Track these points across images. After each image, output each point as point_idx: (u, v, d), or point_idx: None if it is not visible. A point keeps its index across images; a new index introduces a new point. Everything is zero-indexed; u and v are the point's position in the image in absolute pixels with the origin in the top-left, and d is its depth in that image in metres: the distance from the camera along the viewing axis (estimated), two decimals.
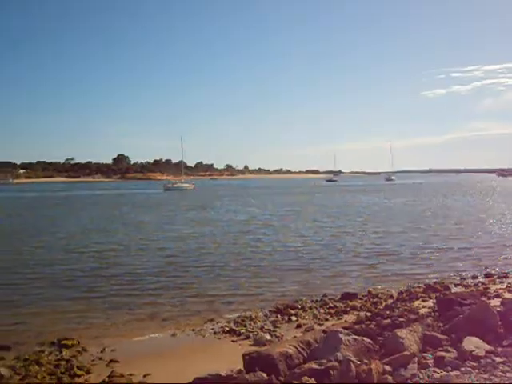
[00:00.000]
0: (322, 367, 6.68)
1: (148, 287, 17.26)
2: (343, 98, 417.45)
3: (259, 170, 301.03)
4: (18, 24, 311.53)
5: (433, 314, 11.20)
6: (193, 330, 12.72)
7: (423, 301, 14.08)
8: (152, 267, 20.83)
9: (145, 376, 9.28)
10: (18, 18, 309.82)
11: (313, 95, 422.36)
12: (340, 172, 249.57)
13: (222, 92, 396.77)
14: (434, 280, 17.33)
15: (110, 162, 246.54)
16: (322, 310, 14.02)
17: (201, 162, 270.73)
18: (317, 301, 15.08)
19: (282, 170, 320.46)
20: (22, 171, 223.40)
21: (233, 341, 11.70)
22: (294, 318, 13.27)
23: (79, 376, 9.56)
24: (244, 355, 7.67)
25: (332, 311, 13.86)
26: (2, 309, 14.91)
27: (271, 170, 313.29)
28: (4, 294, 16.69)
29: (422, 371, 6.76)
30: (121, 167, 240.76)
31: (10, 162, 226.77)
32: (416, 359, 7.03)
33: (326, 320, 13.07)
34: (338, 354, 7.18)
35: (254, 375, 6.63)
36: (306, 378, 6.49)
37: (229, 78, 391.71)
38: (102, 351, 11.17)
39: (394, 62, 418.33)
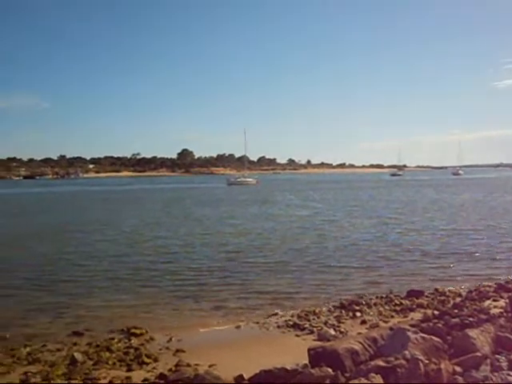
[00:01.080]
0: (390, 365, 6.55)
1: (212, 281, 17.53)
2: (408, 90, 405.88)
3: (322, 165, 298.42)
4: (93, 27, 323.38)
5: (505, 314, 10.73)
6: (257, 323, 12.83)
7: (494, 300, 13.54)
8: (215, 262, 21.13)
9: (210, 366, 9.43)
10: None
11: (377, 88, 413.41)
12: (405, 166, 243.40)
13: (285, 87, 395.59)
14: (506, 279, 16.59)
15: (174, 156, 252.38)
16: (387, 307, 13.77)
17: (263, 157, 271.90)
18: (382, 297, 14.82)
19: (345, 164, 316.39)
20: (91, 166, 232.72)
21: (296, 335, 11.70)
22: (358, 314, 13.10)
23: (147, 364, 9.86)
24: (309, 350, 7.64)
25: (397, 308, 13.58)
26: (73, 298, 15.64)
27: (334, 164, 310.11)
28: (74, 285, 17.46)
29: (495, 374, 6.48)
30: (185, 162, 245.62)
31: (80, 158, 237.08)
32: (488, 361, 6.77)
33: (392, 317, 12.83)
34: (406, 352, 7.01)
35: (319, 370, 6.59)
36: (373, 374, 6.38)
37: (294, 73, 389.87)
38: (168, 341, 11.49)
39: (462, 53, 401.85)
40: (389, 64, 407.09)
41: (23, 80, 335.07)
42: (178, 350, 10.68)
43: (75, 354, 10.19)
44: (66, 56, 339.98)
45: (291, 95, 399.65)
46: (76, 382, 8.98)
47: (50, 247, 25.85)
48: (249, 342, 11.25)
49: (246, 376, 8.02)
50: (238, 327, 12.59)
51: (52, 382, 9.07)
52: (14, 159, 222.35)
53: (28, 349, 11.18)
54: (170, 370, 9.29)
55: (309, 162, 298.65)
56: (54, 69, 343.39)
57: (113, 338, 11.69)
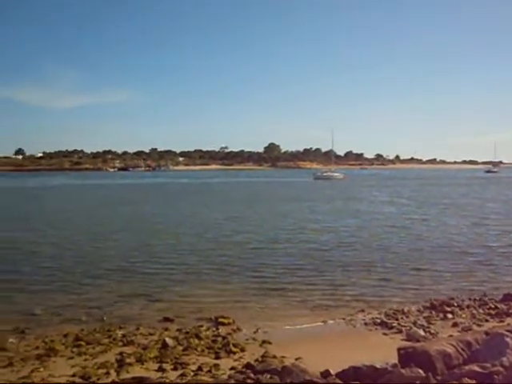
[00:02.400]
0: (486, 371, 6.25)
1: (298, 276, 17.52)
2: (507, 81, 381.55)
3: (411, 160, 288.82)
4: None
5: None
6: (343, 319, 12.72)
7: None
8: (301, 258, 21.07)
9: (296, 359, 9.47)
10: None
11: (470, 80, 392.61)
12: (501, 163, 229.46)
13: (375, 81, 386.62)
14: None
15: (261, 150, 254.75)
16: (481, 310, 13.15)
17: (350, 151, 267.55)
18: (475, 300, 14.16)
19: (435, 160, 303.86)
20: (181, 159, 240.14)
21: (384, 333, 11.48)
22: (449, 316, 12.62)
23: (234, 353, 10.09)
24: (399, 349, 7.46)
25: (492, 312, 12.93)
26: (164, 287, 16.30)
27: (424, 160, 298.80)
28: (164, 275, 18.12)
29: None
30: (272, 155, 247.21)
31: (170, 151, 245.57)
32: None
33: (486, 321, 12.23)
34: (504, 358, 6.65)
35: (410, 370, 6.41)
36: (467, 379, 6.12)
37: (384, 68, 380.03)
38: (255, 332, 11.68)
39: None
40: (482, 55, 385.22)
41: (116, 76, 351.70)
42: (264, 342, 10.83)
43: (166, 339, 10.63)
44: (156, 52, 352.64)
45: (380, 88, 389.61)
46: (167, 365, 9.35)
47: (139, 238, 27.07)
48: (335, 338, 11.19)
49: (332, 371, 7.97)
50: (324, 322, 12.55)
51: (145, 363, 9.51)
52: (109, 152, 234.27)
53: (123, 331, 11.83)
54: (257, 360, 9.43)
55: (397, 157, 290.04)
56: (146, 65, 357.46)
57: (201, 326, 12.09)
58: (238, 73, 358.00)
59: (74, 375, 8.96)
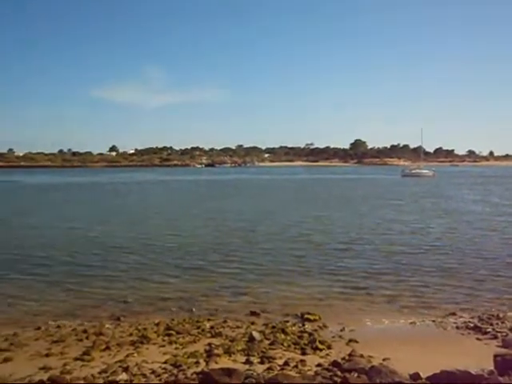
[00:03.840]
0: None
1: (385, 275, 17.12)
2: None
3: (506, 157, 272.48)
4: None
5: None
6: (433, 321, 12.30)
7: None
8: (388, 257, 20.58)
9: (384, 360, 9.27)
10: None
11: None
12: None
13: (467, 73, 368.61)
14: None
15: (347, 146, 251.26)
16: None
17: (440, 148, 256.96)
18: None
19: None
20: (266, 155, 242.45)
21: (477, 338, 10.95)
22: None
23: (321, 350, 10.05)
24: (495, 356, 7.11)
25: None
26: (250, 281, 16.63)
27: None
28: (251, 269, 18.51)
29: None
30: (357, 152, 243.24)
31: (256, 147, 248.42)
32: None
33: None
34: None
35: (509, 378, 6.09)
36: None
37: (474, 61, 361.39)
38: (341, 330, 11.58)
39: None
40: None
41: (204, 75, 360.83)
42: (350, 340, 10.70)
43: (253, 333, 10.80)
44: (242, 51, 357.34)
45: (472, 81, 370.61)
46: (254, 358, 9.50)
47: (222, 233, 27.66)
48: (424, 340, 10.83)
49: (422, 374, 7.74)
50: (412, 323, 12.20)
51: (233, 355, 9.72)
52: (196, 148, 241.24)
53: (211, 323, 12.17)
54: (344, 358, 9.34)
55: (491, 153, 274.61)
56: (232, 63, 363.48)
57: (287, 321, 12.16)
58: (325, 70, 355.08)
59: (165, 362, 9.33)
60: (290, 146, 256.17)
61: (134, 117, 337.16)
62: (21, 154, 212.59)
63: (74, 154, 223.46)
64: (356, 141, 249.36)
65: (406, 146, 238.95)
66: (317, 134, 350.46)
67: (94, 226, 30.11)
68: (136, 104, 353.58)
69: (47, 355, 10.16)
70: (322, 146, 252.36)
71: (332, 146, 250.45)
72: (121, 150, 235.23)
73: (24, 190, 71.50)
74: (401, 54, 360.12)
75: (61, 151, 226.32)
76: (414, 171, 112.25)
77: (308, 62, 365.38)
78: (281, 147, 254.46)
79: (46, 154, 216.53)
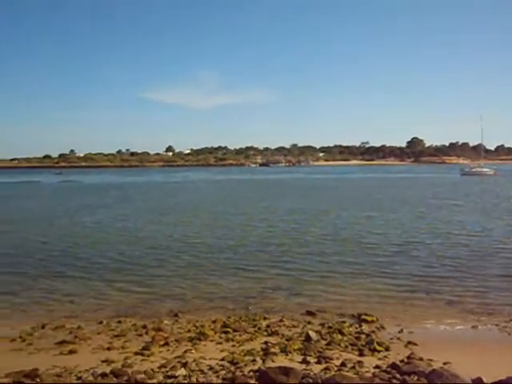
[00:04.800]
0: None
1: (445, 276, 16.68)
2: None
3: None
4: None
5: None
6: (496, 325, 11.85)
7: None
8: (448, 257, 20.02)
9: (445, 364, 9.02)
10: None
11: None
12: None
13: None
14: None
15: (403, 145, 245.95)
16: None
17: (502, 145, 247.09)
18: None
19: None
20: (321, 154, 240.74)
21: None
22: None
23: (379, 351, 9.89)
24: None
25: None
26: (307, 280, 16.58)
27: None
28: (307, 268, 18.45)
29: None
30: (414, 150, 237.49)
31: (310, 146, 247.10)
32: None
33: None
34: None
35: None
36: None
37: None
38: (399, 331, 11.36)
39: None
40: None
41: (257, 75, 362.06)
42: (409, 342, 10.48)
43: (310, 332, 10.77)
44: (295, 51, 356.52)
45: None
46: (311, 358, 9.46)
47: (274, 233, 27.67)
48: (487, 345, 10.48)
49: (485, 380, 7.50)
50: (474, 327, 11.80)
51: (289, 354, 9.72)
52: (251, 148, 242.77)
53: (267, 321, 12.23)
54: (402, 361, 9.16)
55: None
56: (285, 63, 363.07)
57: (344, 322, 12.05)
58: (377, 68, 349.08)
59: (222, 359, 9.44)
60: (344, 144, 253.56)
61: (188, 118, 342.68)
62: (81, 155, 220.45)
63: (132, 154, 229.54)
64: (413, 139, 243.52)
65: (465, 144, 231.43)
66: (372, 133, 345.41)
67: (148, 225, 30.84)
68: (190, 105, 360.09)
69: (109, 349, 10.51)
70: (377, 144, 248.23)
71: (388, 145, 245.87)
72: (177, 150, 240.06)
73: (81, 189, 74.12)
74: (458, 55, 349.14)
75: (119, 151, 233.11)
76: (474, 170, 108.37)
77: (359, 60, 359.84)
78: (335, 146, 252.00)
79: (105, 155, 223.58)
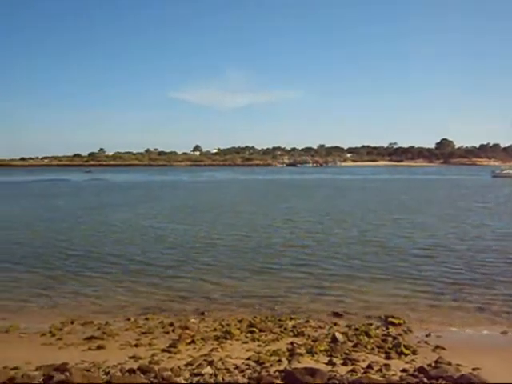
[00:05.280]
0: None
1: (474, 281, 16.38)
2: None
3: None
4: None
5: None
6: None
7: None
8: (477, 260, 19.67)
9: (474, 369, 8.86)
10: None
11: None
12: None
13: None
14: None
15: (432, 146, 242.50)
16: None
17: None
18: None
19: None
20: (348, 155, 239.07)
21: None
22: None
23: (406, 355, 9.79)
24: None
25: None
26: (333, 281, 16.50)
27: None
28: (336, 268, 18.41)
29: None
30: (444, 152, 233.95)
31: (338, 147, 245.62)
32: None
33: None
34: None
35: None
36: None
37: None
38: (427, 335, 11.22)
39: None
40: None
41: (284, 75, 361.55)
42: (437, 346, 10.34)
43: (336, 334, 10.73)
44: (320, 51, 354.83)
45: None
46: (337, 359, 9.42)
47: (295, 234, 27.58)
48: None
49: None
50: (504, 333, 11.57)
51: (315, 355, 9.70)
52: (278, 148, 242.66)
53: (293, 322, 12.23)
54: (430, 365, 9.03)
55: None
56: (312, 63, 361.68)
57: (371, 324, 11.98)
58: (407, 67, 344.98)
59: (248, 359, 9.48)
60: (372, 145, 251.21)
61: (216, 117, 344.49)
62: (110, 154, 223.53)
63: (160, 153, 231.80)
64: (442, 140, 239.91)
65: (496, 145, 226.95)
66: (401, 134, 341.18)
67: (172, 224, 31.06)
68: (218, 105, 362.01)
69: (136, 345, 10.65)
70: (405, 145, 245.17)
71: (416, 146, 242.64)
72: (204, 150, 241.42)
73: (108, 188, 75.13)
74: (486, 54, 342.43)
75: (147, 150, 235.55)
76: (505, 172, 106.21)
77: (388, 61, 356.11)
78: (363, 147, 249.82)
79: (133, 154, 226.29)
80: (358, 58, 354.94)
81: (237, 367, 8.97)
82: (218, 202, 48.19)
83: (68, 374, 8.26)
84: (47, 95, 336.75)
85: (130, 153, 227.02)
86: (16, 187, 75.98)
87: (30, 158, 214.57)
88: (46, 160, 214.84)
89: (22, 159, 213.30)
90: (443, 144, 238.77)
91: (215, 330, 11.66)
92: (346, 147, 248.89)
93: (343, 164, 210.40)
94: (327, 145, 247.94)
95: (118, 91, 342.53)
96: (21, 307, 14.05)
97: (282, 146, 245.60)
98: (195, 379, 8.37)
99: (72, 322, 12.47)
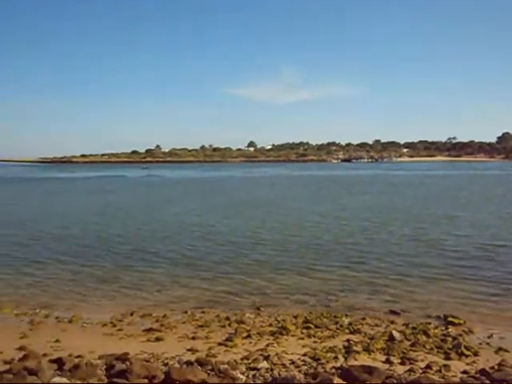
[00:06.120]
0: None
1: None
2: None
3: None
4: None
5: None
6: None
7: None
8: None
9: None
10: None
11: None
12: None
13: None
14: None
15: (493, 140, 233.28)
16: None
17: None
18: None
19: None
20: (404, 150, 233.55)
21: None
22: None
23: (466, 356, 9.49)
24: None
25: None
26: (391, 278, 16.24)
27: None
28: (392, 265, 18.09)
29: None
30: (505, 146, 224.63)
31: (394, 142, 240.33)
32: None
33: None
34: None
35: None
36: None
37: None
38: (489, 337, 10.83)
39: None
40: None
41: (338, 69, 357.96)
42: (500, 349, 9.95)
43: (393, 332, 10.54)
44: (376, 45, 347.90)
45: None
46: (394, 358, 9.27)
47: (351, 230, 27.24)
48: None
49: None
50: None
51: (372, 353, 9.57)
52: (333, 143, 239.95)
53: (349, 319, 12.11)
54: (492, 367, 8.72)
55: None
56: (367, 57, 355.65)
57: (429, 323, 11.69)
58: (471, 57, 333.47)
59: (304, 354, 9.48)
60: (430, 140, 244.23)
61: (270, 113, 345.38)
62: (166, 150, 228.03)
63: (215, 149, 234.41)
64: (504, 134, 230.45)
65: None
66: (460, 128, 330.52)
67: (224, 220, 31.26)
68: (272, 101, 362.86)
69: (193, 338, 10.86)
70: (465, 139, 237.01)
71: (476, 140, 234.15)
72: (259, 146, 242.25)
73: (163, 184, 76.68)
74: None
75: (202, 147, 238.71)
76: None
77: (445, 53, 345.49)
78: (420, 142, 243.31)
79: (189, 150, 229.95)
80: (416, 57, 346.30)
81: (293, 362, 8.99)
82: (268, 198, 48.17)
83: (128, 363, 8.51)
84: (107, 96, 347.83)
85: (185, 149, 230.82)
86: (76, 183, 79.03)
87: (90, 155, 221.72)
88: (105, 157, 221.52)
89: (83, 156, 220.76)
90: (505, 138, 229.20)
91: (271, 325, 11.72)
92: (402, 142, 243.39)
93: (399, 159, 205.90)
94: (383, 140, 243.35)
95: (173, 89, 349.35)
96: (82, 298, 14.60)
97: (337, 142, 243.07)
98: (251, 373, 8.44)
99: (131, 314, 12.85)
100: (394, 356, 9.40)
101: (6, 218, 33.89)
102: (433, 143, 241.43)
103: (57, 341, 10.74)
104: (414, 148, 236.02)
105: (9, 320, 12.64)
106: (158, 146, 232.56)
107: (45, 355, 9.47)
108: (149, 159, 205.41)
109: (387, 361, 9.16)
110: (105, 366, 8.55)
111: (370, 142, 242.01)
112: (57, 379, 7.46)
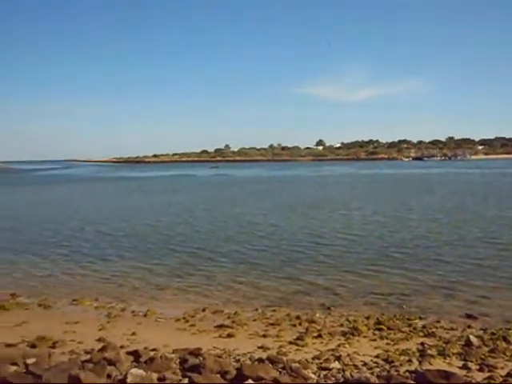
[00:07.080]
0: None
1: None
2: None
3: None
4: None
5: None
6: None
7: None
8: None
9: None
10: None
11: None
12: None
13: None
14: None
15: None
16: None
17: None
18: None
19: None
20: (480, 147, 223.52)
21: None
22: None
23: None
24: None
25: None
26: (464, 281, 15.59)
27: None
28: (462, 267, 17.36)
29: None
30: None
31: (468, 139, 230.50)
32: None
33: None
34: None
35: None
36: None
37: None
38: None
39: None
40: None
41: (409, 66, 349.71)
42: None
43: (471, 337, 10.13)
44: (447, 46, 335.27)
45: None
46: (472, 364, 8.91)
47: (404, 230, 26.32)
48: None
49: None
50: None
51: (447, 358, 9.25)
52: (404, 141, 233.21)
53: (423, 321, 11.80)
54: None
55: None
56: (438, 54, 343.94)
57: (510, 329, 11.11)
58: None
59: (377, 356, 9.31)
60: (508, 136, 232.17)
61: (339, 111, 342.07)
62: (235, 150, 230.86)
63: (283, 148, 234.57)
64: None
65: None
66: None
67: (289, 220, 31.25)
68: (341, 99, 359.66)
69: (264, 336, 10.94)
70: None
71: None
72: (327, 144, 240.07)
73: (230, 183, 77.59)
74: None
75: (271, 146, 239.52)
76: None
77: None
78: (497, 138, 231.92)
79: (257, 149, 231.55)
80: (487, 47, 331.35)
81: (365, 364, 8.86)
82: (333, 197, 47.37)
83: (202, 358, 8.70)
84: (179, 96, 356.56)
85: (254, 148, 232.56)
86: (147, 181, 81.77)
87: (162, 155, 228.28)
88: (176, 156, 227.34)
89: (155, 156, 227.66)
90: None
91: (342, 325, 11.61)
92: (477, 139, 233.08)
93: (473, 157, 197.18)
94: (457, 137, 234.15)
95: (242, 89, 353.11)
96: (156, 294, 15.06)
97: (409, 139, 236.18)
98: (323, 373, 8.38)
99: (203, 310, 13.12)
100: (471, 362, 9.03)
101: (76, 215, 35.61)
102: (510, 140, 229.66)
103: (133, 334, 11.16)
104: (490, 145, 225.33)
105: (89, 312, 13.27)
106: (227, 146, 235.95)
107: (122, 347, 9.86)
108: (218, 158, 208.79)
109: (464, 366, 8.80)
110: (179, 360, 8.79)
111: (443, 139, 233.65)
112: (134, 370, 7.74)
